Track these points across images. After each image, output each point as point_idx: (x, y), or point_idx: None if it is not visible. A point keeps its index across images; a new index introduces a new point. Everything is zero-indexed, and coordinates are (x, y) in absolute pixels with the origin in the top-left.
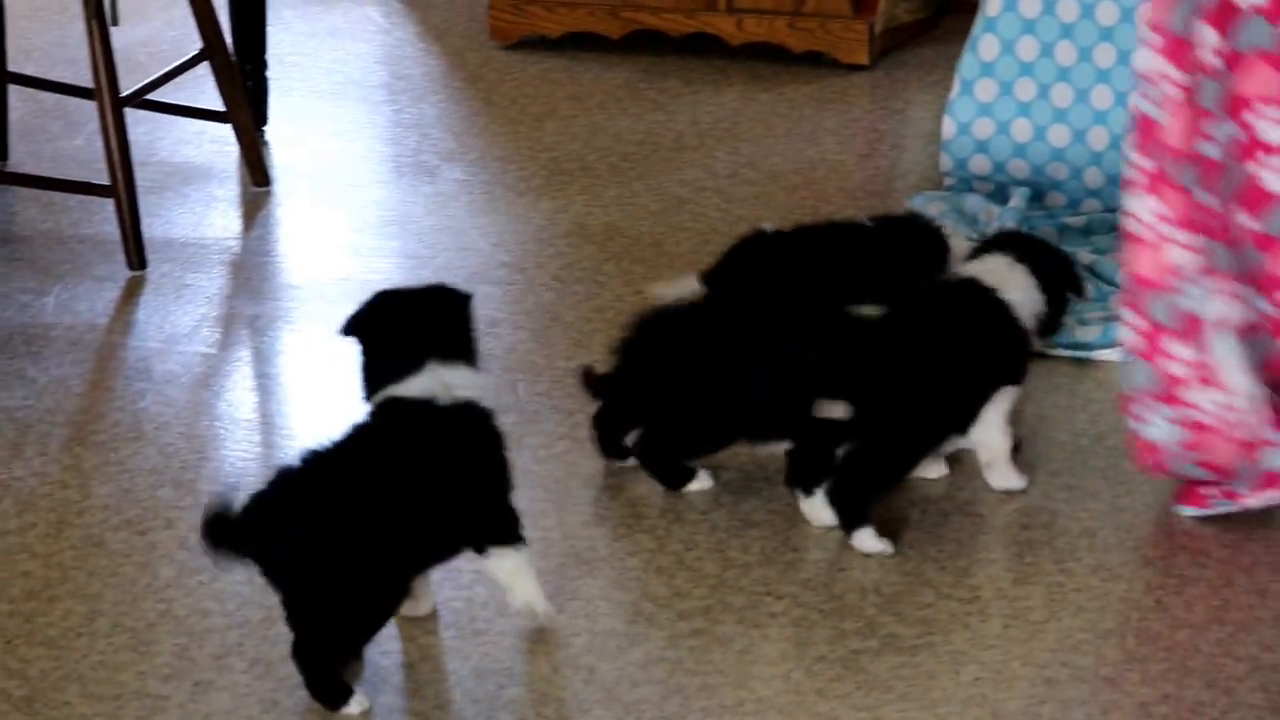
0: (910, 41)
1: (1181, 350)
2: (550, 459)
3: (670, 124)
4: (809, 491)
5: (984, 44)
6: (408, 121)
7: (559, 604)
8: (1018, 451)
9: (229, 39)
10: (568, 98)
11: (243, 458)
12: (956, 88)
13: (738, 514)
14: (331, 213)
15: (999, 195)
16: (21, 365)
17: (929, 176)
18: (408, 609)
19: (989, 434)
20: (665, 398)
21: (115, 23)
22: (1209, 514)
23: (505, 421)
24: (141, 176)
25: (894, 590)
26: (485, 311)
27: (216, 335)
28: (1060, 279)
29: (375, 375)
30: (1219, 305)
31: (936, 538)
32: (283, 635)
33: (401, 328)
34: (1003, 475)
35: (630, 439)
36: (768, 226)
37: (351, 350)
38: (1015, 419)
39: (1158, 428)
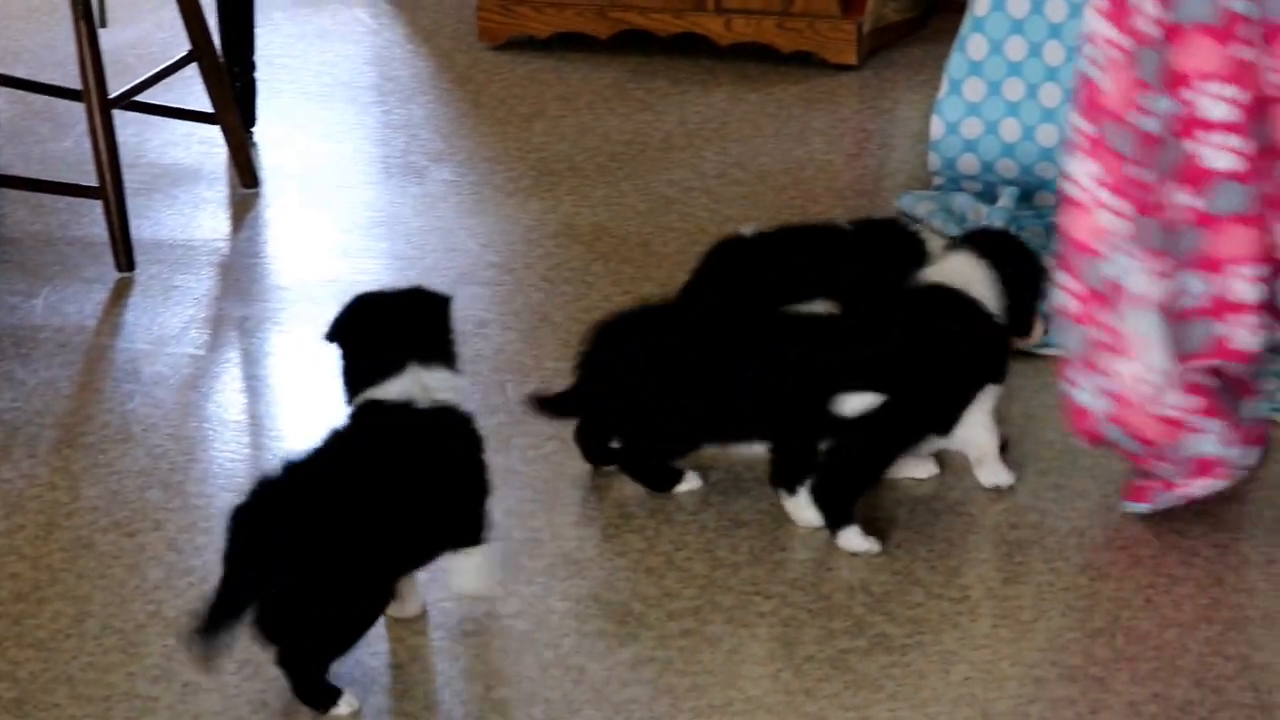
0: (898, 41)
1: (1107, 317)
2: (539, 460)
3: (658, 124)
4: (792, 490)
5: (972, 43)
6: (396, 123)
7: (548, 605)
8: (1005, 450)
9: (217, 40)
10: (556, 98)
11: (231, 459)
12: (945, 87)
13: (726, 514)
14: (320, 214)
15: (987, 195)
16: (10, 367)
17: (917, 176)
18: (396, 610)
19: (976, 433)
20: (630, 401)
21: (103, 25)
22: (1154, 509)
23: (493, 422)
24: (130, 178)
25: (883, 589)
26: (474, 312)
27: (205, 337)
28: (1023, 274)
29: (355, 378)
30: (1142, 280)
31: (926, 537)
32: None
33: (380, 331)
34: (992, 471)
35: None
36: (747, 230)
37: (336, 354)
38: (1002, 418)
39: (1086, 394)
